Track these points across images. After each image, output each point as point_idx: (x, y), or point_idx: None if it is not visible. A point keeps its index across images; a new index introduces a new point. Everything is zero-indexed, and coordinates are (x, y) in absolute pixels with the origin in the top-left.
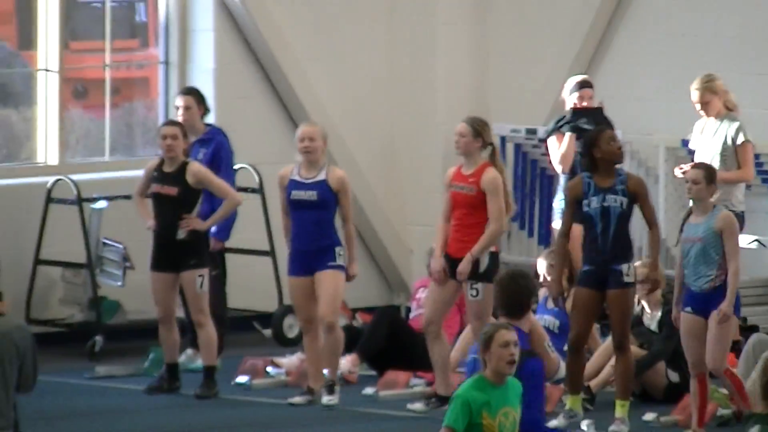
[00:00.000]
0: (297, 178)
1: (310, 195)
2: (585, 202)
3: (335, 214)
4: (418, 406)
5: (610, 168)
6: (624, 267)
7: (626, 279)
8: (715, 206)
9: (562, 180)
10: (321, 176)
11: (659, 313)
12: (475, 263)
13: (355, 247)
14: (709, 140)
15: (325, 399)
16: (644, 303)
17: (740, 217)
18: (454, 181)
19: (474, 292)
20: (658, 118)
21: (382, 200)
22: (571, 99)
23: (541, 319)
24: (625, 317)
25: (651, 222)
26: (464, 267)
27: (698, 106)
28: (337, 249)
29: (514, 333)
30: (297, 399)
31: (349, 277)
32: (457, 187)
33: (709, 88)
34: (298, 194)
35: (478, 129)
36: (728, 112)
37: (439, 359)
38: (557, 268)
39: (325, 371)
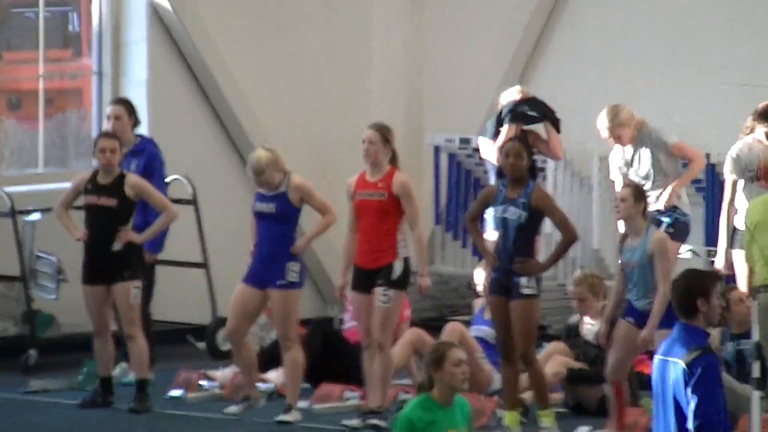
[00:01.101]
0: (260, 190)
1: (270, 207)
2: (491, 209)
3: (295, 226)
4: (354, 421)
5: (522, 181)
6: (523, 280)
7: (525, 291)
8: (649, 227)
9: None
10: (281, 188)
11: (597, 325)
12: (388, 270)
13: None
14: (636, 168)
15: (281, 416)
16: (586, 315)
17: (686, 223)
18: (361, 189)
19: (385, 299)
20: (592, 127)
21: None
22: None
23: (478, 330)
24: (525, 329)
25: (562, 227)
26: (426, 283)
27: (611, 140)
28: (288, 264)
29: (463, 351)
30: (233, 408)
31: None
32: (365, 195)
33: (617, 123)
34: (259, 206)
35: (387, 136)
36: (638, 132)
37: (375, 373)
38: (479, 245)
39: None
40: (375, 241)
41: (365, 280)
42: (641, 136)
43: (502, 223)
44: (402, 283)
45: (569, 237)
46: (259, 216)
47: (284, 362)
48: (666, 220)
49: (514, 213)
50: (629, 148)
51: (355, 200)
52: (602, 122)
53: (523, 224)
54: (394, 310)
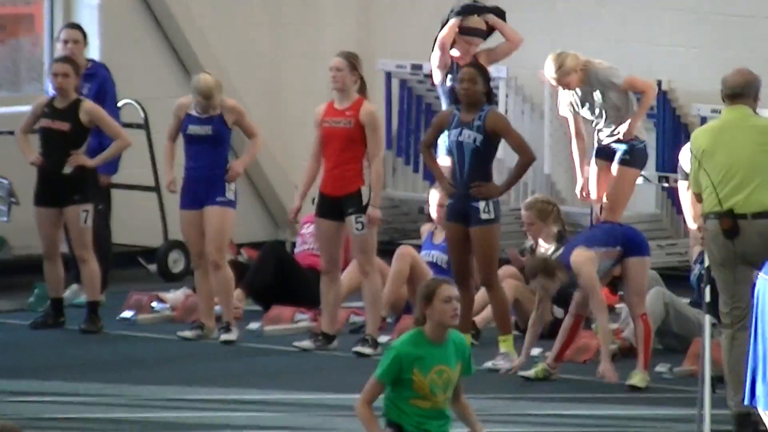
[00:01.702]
0: (193, 113)
1: (205, 129)
2: (446, 134)
3: (229, 147)
4: (305, 343)
5: (477, 106)
6: (481, 204)
7: (484, 216)
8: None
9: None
10: (216, 111)
11: (552, 247)
12: (357, 197)
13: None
14: (591, 110)
15: (223, 336)
16: (539, 237)
17: (643, 149)
18: (328, 116)
19: (359, 226)
20: (544, 53)
21: (267, 136)
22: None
23: (428, 255)
24: (487, 255)
25: (519, 150)
26: (376, 214)
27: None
28: (228, 184)
29: (455, 287)
30: (187, 333)
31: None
32: (332, 123)
33: (564, 72)
34: (194, 129)
35: (354, 63)
36: (585, 74)
37: (332, 300)
38: (435, 171)
39: (218, 308)
40: (341, 169)
41: (332, 207)
42: (588, 78)
43: (457, 147)
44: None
45: (527, 158)
46: (194, 138)
47: (216, 281)
48: (622, 146)
49: (469, 136)
50: (578, 89)
51: (321, 127)
52: (549, 72)
53: (478, 147)
54: (371, 235)
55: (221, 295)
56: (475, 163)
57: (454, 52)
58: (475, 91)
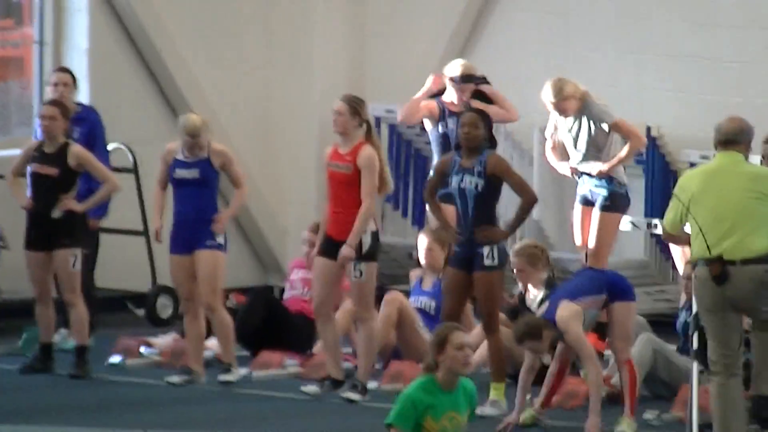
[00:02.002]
0: (180, 157)
1: (192, 173)
2: (448, 180)
3: (217, 191)
4: (312, 388)
5: (477, 151)
6: (485, 250)
7: (487, 262)
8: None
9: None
10: (203, 154)
11: (542, 293)
12: (358, 244)
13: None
14: (576, 138)
15: (222, 376)
16: (528, 283)
17: (624, 195)
18: (331, 159)
19: (357, 273)
20: (533, 99)
21: (258, 180)
22: (450, 90)
23: (417, 301)
24: (489, 300)
25: (520, 191)
26: (347, 252)
27: (550, 107)
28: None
29: (466, 334)
30: (175, 378)
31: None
32: (333, 166)
33: (562, 97)
34: (181, 173)
35: (356, 107)
36: (581, 104)
37: (331, 341)
38: (439, 217)
39: (208, 352)
40: (343, 213)
41: (333, 248)
42: (584, 109)
43: (460, 194)
44: (372, 254)
45: (529, 199)
46: (181, 182)
47: (214, 326)
48: (603, 193)
49: (470, 182)
50: (571, 120)
51: (327, 170)
52: (547, 96)
53: (481, 193)
54: (369, 282)
55: (221, 337)
56: (479, 208)
57: (446, 98)
58: (476, 136)
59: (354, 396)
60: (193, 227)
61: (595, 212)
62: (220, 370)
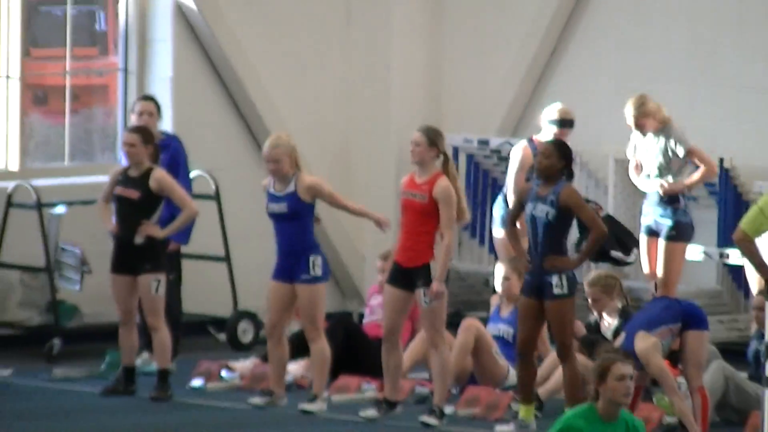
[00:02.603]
0: (272, 190)
1: (281, 207)
2: (526, 207)
3: (310, 220)
4: (370, 412)
5: (553, 181)
6: (554, 279)
7: (556, 291)
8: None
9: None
10: (290, 188)
11: (616, 321)
12: (426, 270)
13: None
14: (650, 157)
15: (305, 405)
16: (603, 312)
17: (690, 225)
18: (407, 188)
19: (428, 299)
20: (608, 129)
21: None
22: (549, 129)
23: (495, 328)
24: (560, 328)
25: (591, 225)
26: (438, 287)
27: (631, 123)
28: (312, 258)
29: (629, 365)
30: (257, 399)
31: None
32: (409, 195)
33: (642, 112)
34: (272, 207)
35: (433, 138)
36: (663, 126)
37: (393, 367)
38: (515, 246)
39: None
40: (414, 240)
41: (402, 277)
42: (663, 129)
43: (531, 221)
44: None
45: (598, 233)
46: (274, 216)
47: (312, 353)
48: (668, 223)
49: (542, 211)
50: (650, 136)
51: (401, 198)
52: (628, 110)
53: (551, 222)
54: (440, 308)
55: (316, 366)
56: (548, 237)
57: (540, 138)
58: (549, 166)
59: (431, 420)
60: (290, 259)
61: (661, 242)
62: (308, 399)
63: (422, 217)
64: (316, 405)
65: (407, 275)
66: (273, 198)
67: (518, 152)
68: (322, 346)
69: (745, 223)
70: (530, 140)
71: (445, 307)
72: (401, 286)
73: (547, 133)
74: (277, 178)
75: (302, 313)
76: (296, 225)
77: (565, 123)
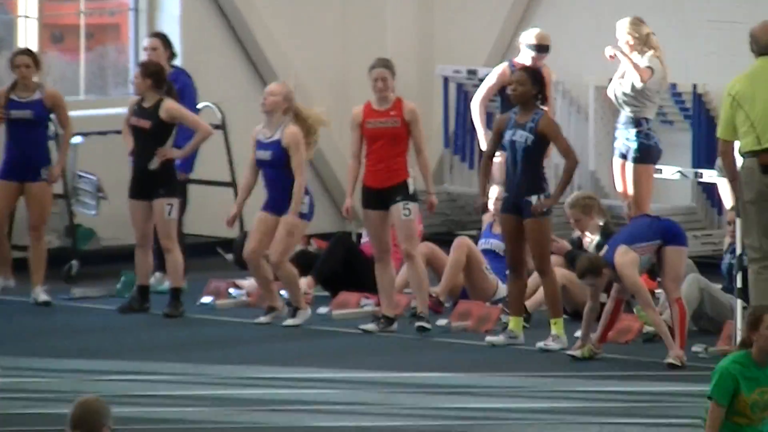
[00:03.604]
0: (261, 138)
1: (266, 155)
2: (503, 134)
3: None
4: (370, 326)
5: (530, 107)
6: (533, 198)
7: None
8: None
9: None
10: (276, 136)
11: (597, 237)
12: (404, 187)
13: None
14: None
15: (287, 321)
16: (585, 231)
17: (655, 147)
18: (370, 118)
19: (407, 212)
20: (588, 60)
21: (336, 136)
22: (526, 54)
23: (487, 243)
24: (540, 244)
25: (565, 154)
26: (434, 200)
27: (622, 42)
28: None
29: None
30: (262, 318)
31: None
32: (377, 123)
33: (632, 32)
34: (259, 154)
35: (393, 68)
36: (648, 49)
37: (387, 284)
38: (480, 184)
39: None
40: (387, 163)
41: (378, 198)
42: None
43: (510, 146)
44: (416, 197)
45: (571, 164)
46: (259, 162)
47: (282, 278)
48: (633, 146)
49: (521, 136)
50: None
51: (365, 128)
52: (624, 26)
53: (529, 147)
54: (415, 221)
55: (288, 287)
56: (527, 161)
57: (519, 60)
58: (524, 92)
59: (425, 324)
60: (279, 199)
61: (629, 165)
62: (288, 314)
63: (395, 140)
64: (299, 317)
65: (382, 195)
66: (260, 145)
67: (498, 70)
68: (289, 270)
69: (719, 131)
70: (511, 63)
71: (417, 220)
72: (378, 207)
73: (525, 56)
74: (268, 118)
75: (276, 243)
76: (278, 172)
77: (541, 48)
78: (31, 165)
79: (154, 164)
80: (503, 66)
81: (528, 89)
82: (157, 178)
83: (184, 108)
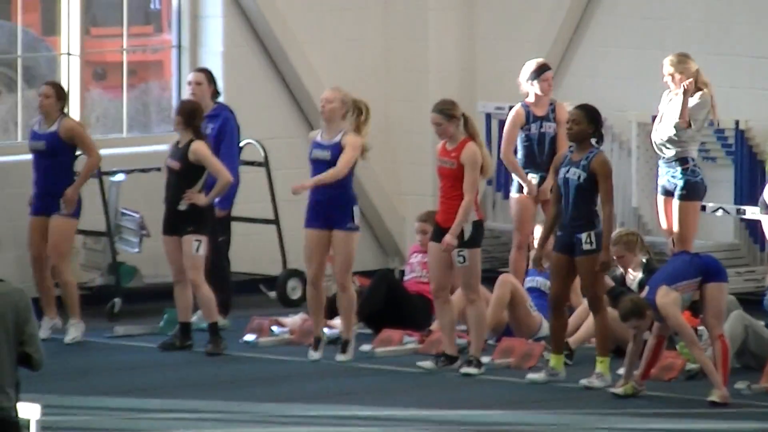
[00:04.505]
0: (319, 139)
1: (325, 155)
2: (559, 171)
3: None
4: (428, 363)
5: (585, 146)
6: (583, 236)
7: (586, 247)
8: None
9: None
10: (336, 139)
11: (640, 274)
12: (461, 232)
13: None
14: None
15: (338, 357)
16: (627, 268)
17: (701, 184)
18: (440, 156)
19: (461, 259)
20: (631, 95)
21: (378, 173)
22: (533, 86)
23: (533, 281)
24: (591, 281)
25: (603, 201)
26: (449, 240)
27: (668, 79)
28: (355, 208)
29: None
30: (314, 355)
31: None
32: (441, 162)
33: (679, 69)
34: (316, 153)
35: (448, 112)
36: (697, 89)
37: (447, 321)
38: (543, 234)
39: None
40: (449, 203)
41: (441, 235)
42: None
43: (564, 183)
44: (474, 241)
45: (609, 212)
46: (315, 162)
47: (339, 303)
48: (679, 183)
49: (574, 173)
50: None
51: (437, 165)
52: (670, 60)
53: (581, 184)
54: (473, 266)
55: (343, 315)
56: (578, 198)
57: (530, 101)
58: (579, 131)
59: (471, 370)
60: (329, 206)
61: (675, 201)
62: (339, 350)
63: (454, 181)
64: (347, 354)
65: (443, 234)
66: (318, 145)
67: (512, 113)
68: (350, 295)
69: None
70: (524, 104)
71: (478, 265)
72: (438, 241)
73: (530, 91)
74: (326, 123)
75: (338, 262)
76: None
77: (541, 68)
78: (51, 198)
79: (183, 206)
80: (516, 108)
81: (584, 128)
82: (187, 216)
83: (209, 152)
